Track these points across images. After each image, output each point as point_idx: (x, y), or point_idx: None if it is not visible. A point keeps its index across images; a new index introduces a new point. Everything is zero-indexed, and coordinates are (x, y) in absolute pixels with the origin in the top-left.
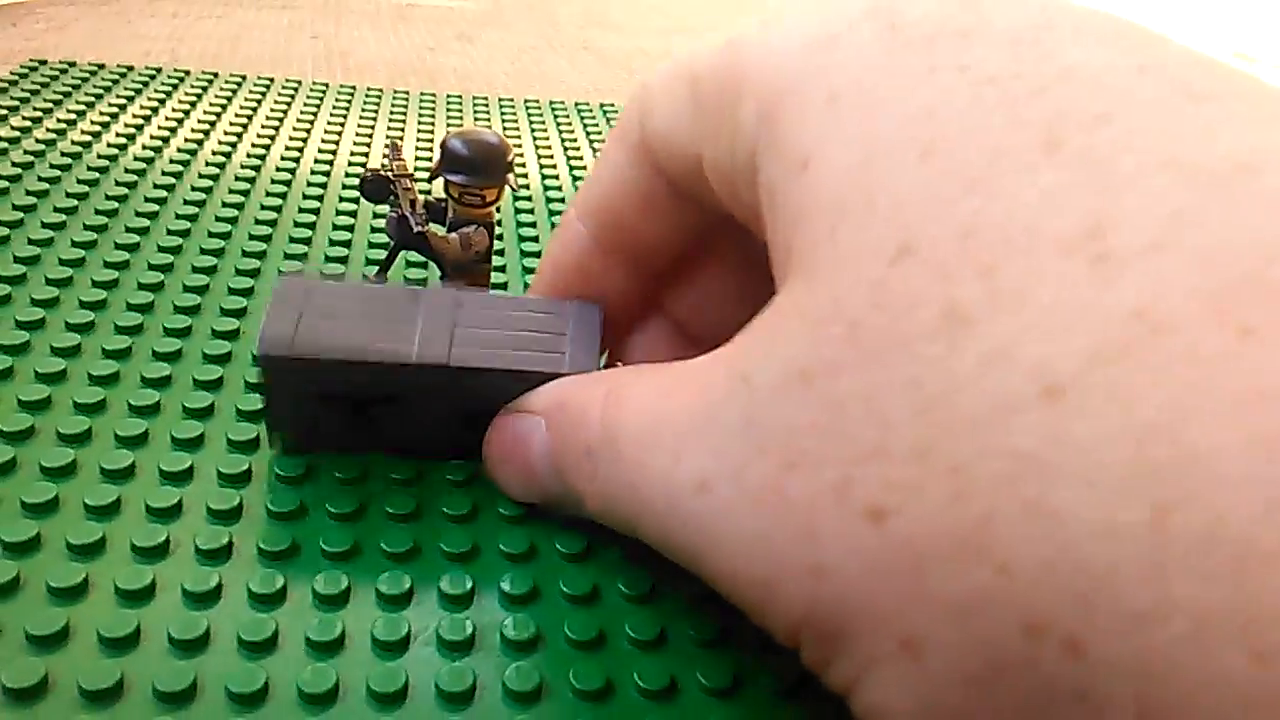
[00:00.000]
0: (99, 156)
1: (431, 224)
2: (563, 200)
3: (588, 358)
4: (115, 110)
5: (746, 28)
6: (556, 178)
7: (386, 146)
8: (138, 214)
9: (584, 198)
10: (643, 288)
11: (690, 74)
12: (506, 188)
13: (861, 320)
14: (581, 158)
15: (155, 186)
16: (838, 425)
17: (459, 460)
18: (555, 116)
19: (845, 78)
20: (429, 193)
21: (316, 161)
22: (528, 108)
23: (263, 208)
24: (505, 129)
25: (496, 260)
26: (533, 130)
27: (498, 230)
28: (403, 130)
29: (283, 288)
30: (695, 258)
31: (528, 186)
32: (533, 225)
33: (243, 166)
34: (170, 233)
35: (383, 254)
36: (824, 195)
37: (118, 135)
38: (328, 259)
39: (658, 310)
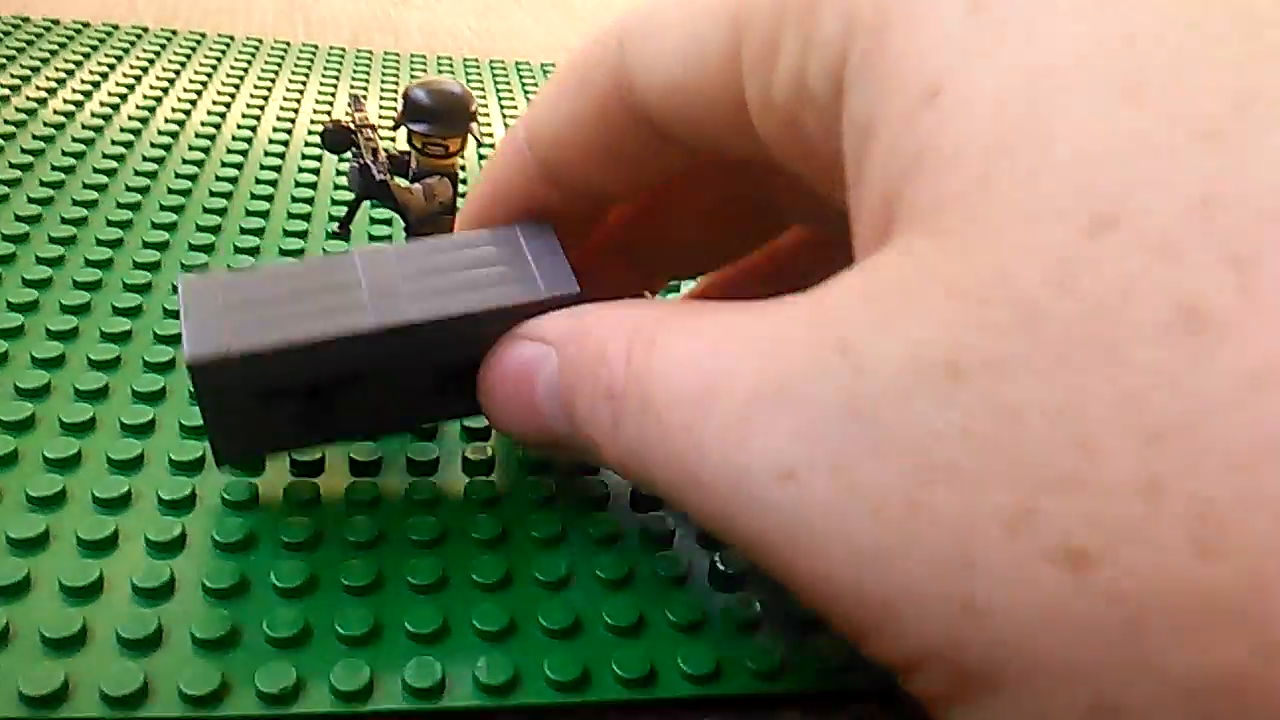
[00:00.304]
0: (54, 113)
1: (395, 175)
2: None
3: (563, 277)
4: (70, 68)
5: None
6: None
7: (349, 98)
8: (95, 170)
9: (534, 127)
10: (595, 218)
11: (716, 2)
12: (470, 138)
13: (1045, 306)
14: None
15: (113, 143)
16: (1010, 439)
17: (432, 422)
18: (521, 77)
19: None
20: (393, 146)
21: (278, 119)
22: (493, 68)
23: (223, 164)
24: (471, 90)
25: None
26: (498, 91)
27: (463, 185)
28: (366, 90)
29: (190, 287)
30: (672, 195)
31: (493, 147)
32: None
33: (202, 124)
34: (129, 189)
35: (344, 194)
36: (966, 133)
37: (73, 92)
38: (290, 215)
39: (614, 238)
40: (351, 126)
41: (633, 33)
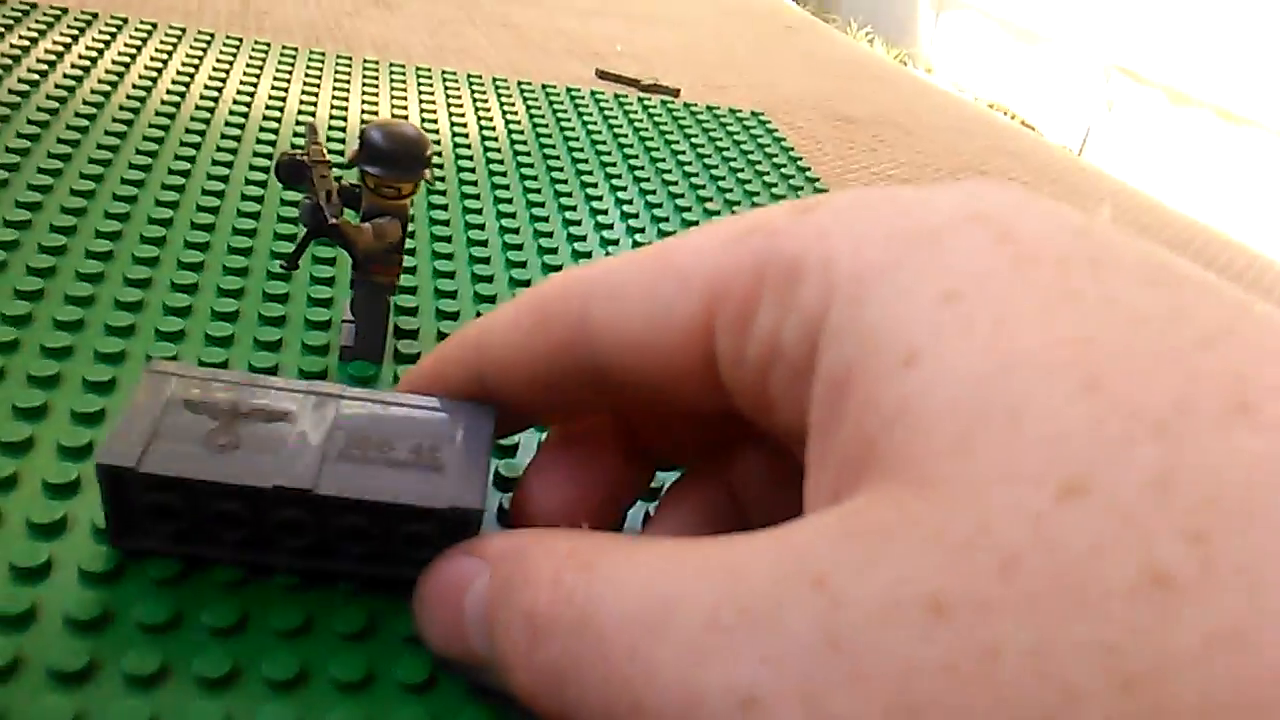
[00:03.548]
0: None
1: (345, 211)
2: (475, 184)
3: (472, 489)
4: (17, 54)
5: (769, 219)
6: (470, 158)
7: (303, 127)
8: (39, 170)
9: (487, 341)
10: (520, 429)
11: (684, 273)
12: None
13: (1023, 557)
14: (496, 136)
15: (58, 141)
16: (990, 676)
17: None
18: (472, 89)
19: (963, 277)
20: (342, 178)
21: (231, 113)
22: (444, 78)
23: (176, 158)
24: (421, 98)
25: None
26: (449, 102)
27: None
28: (317, 92)
29: (147, 383)
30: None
31: (442, 166)
32: (444, 208)
33: (151, 125)
34: (73, 192)
35: (292, 211)
36: (942, 399)
37: (19, 81)
38: (240, 214)
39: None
40: (306, 161)
41: (596, 295)
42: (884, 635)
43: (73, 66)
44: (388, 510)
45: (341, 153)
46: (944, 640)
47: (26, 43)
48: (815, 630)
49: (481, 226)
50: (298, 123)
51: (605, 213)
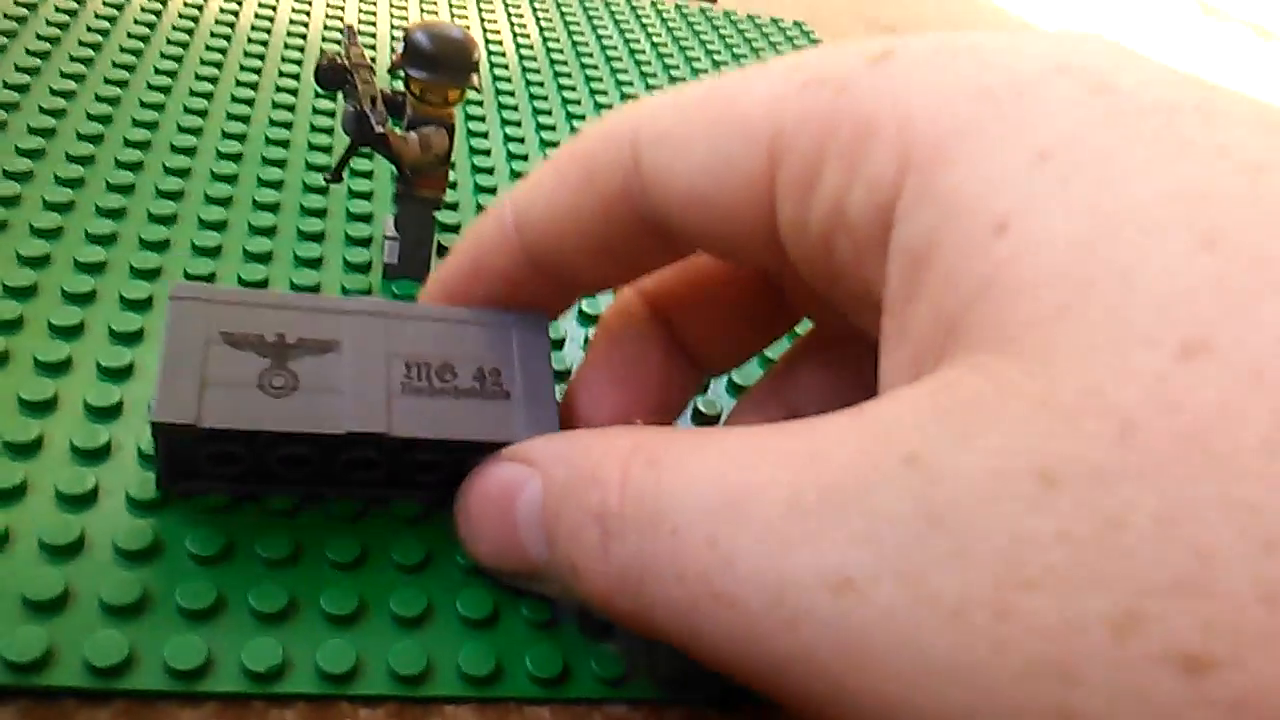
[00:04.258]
0: None
1: (390, 119)
2: (512, 94)
3: (546, 418)
4: None
5: (838, 67)
6: (506, 67)
7: (344, 30)
8: (114, 64)
9: (525, 212)
10: (569, 299)
11: (747, 123)
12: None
13: (1142, 421)
14: (531, 43)
15: (128, 35)
16: (1113, 543)
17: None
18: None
19: (1055, 135)
20: (386, 84)
21: (256, 16)
22: None
23: (202, 63)
24: (452, 4)
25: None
26: (480, 8)
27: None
28: None
29: (178, 316)
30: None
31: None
32: (482, 119)
33: (177, 22)
34: (99, 99)
35: (326, 120)
36: (1041, 266)
37: None
38: (271, 123)
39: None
40: (347, 65)
41: (649, 140)
42: (989, 509)
43: None
44: (462, 446)
45: (373, 61)
46: (1058, 510)
47: None
48: (911, 508)
49: (521, 140)
50: (326, 28)
51: None
